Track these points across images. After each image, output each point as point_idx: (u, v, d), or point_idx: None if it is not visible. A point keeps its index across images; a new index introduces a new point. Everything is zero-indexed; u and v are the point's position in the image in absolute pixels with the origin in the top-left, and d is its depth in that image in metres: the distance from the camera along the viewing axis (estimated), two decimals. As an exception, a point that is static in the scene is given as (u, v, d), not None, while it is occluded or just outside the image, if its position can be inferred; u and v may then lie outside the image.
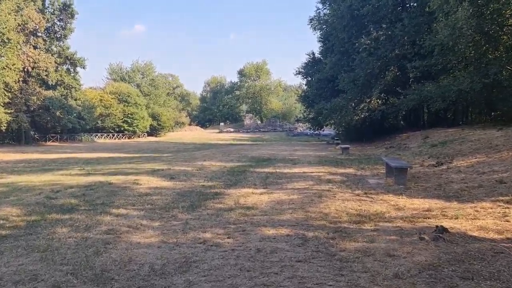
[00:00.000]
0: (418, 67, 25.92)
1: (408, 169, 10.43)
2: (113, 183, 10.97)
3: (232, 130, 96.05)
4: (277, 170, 13.78)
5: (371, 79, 29.83)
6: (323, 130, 51.09)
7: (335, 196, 8.52)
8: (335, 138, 43.20)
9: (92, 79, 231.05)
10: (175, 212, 7.47)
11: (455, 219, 6.32)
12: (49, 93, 48.46)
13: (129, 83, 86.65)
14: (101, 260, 4.87)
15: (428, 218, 6.44)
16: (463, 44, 20.24)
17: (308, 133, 74.05)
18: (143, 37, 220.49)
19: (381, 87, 29.43)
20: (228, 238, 5.71)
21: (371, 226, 6.03)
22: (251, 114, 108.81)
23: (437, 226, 5.50)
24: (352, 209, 7.31)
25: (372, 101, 31.42)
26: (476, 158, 12.43)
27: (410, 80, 30.72)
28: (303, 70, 47.18)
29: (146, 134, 78.80)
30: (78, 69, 53.95)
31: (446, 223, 5.94)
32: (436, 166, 12.61)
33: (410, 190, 9.14)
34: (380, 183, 10.35)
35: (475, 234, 5.42)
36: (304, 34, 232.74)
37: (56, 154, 30.30)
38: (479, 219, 6.19)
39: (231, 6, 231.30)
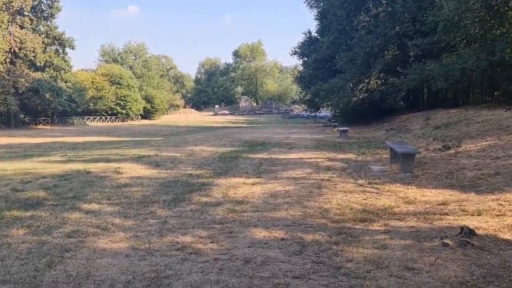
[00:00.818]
0: (419, 45, 24.82)
1: (416, 155, 9.50)
2: (91, 172, 10.00)
3: (227, 112, 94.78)
4: (272, 156, 12.83)
5: (370, 59, 28.67)
6: (320, 112, 49.97)
7: (336, 187, 7.60)
8: (332, 120, 42.24)
9: (84, 61, 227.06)
10: (154, 207, 6.53)
11: (477, 215, 5.41)
12: (38, 75, 46.94)
13: (121, 64, 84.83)
14: (52, 276, 3.95)
15: (446, 215, 5.52)
16: (469, 19, 19.12)
17: (304, 115, 72.90)
18: (137, 18, 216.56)
19: (380, 66, 28.27)
20: (211, 242, 4.78)
21: (380, 226, 5.11)
22: (246, 96, 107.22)
23: (462, 228, 4.57)
24: (356, 203, 6.39)
25: (371, 81, 30.28)
26: (486, 141, 11.51)
27: (411, 59, 29.58)
28: (299, 50, 45.87)
29: (139, 117, 77.45)
30: (67, 50, 52.32)
31: (469, 222, 5.03)
32: (443, 150, 11.69)
33: (418, 178, 8.23)
34: (384, 171, 9.43)
35: (508, 237, 4.51)
36: (301, 13, 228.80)
37: (44, 138, 29.19)
38: (506, 216, 5.28)
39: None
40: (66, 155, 14.85)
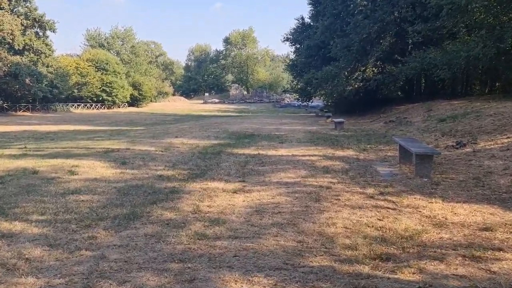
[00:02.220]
0: (420, 31, 23.20)
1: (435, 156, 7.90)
2: (39, 172, 8.23)
3: (217, 101, 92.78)
4: (260, 152, 11.15)
5: (366, 45, 26.99)
6: (312, 102, 48.37)
7: (339, 199, 5.95)
8: (325, 110, 40.70)
9: (72, 48, 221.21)
10: (97, 229, 4.82)
11: (546, 252, 3.80)
12: (17, 58, 44.48)
13: (108, 50, 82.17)
14: None
15: (500, 250, 3.91)
16: (477, 3, 17.49)
17: (296, 105, 71.33)
18: (126, 4, 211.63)
19: (377, 54, 26.64)
20: (159, 303, 3.11)
21: (413, 273, 3.46)
22: (237, 85, 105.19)
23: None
24: (369, 225, 4.75)
25: (367, 70, 28.66)
26: (507, 137, 9.95)
27: (409, 46, 28.01)
28: (291, 36, 44.05)
29: (126, 104, 75.07)
30: (49, 34, 49.80)
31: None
32: (457, 148, 10.12)
33: (440, 186, 6.63)
34: (394, 174, 7.82)
35: None
36: (293, 1, 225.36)
37: (16, 126, 27.13)
38: None
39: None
40: (25, 147, 12.99)
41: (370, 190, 6.44)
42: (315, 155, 10.33)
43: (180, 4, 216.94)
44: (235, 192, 6.53)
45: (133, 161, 9.65)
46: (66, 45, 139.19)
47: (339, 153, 10.77)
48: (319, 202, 5.78)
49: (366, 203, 5.68)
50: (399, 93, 31.79)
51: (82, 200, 6.11)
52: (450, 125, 14.42)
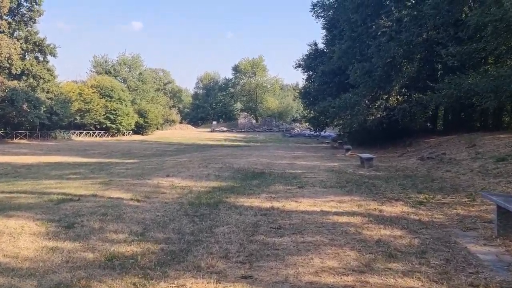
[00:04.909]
0: (455, 54, 20.17)
1: None
2: None
3: (225, 129, 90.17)
4: (274, 204, 7.96)
5: (390, 71, 24.06)
6: (325, 131, 45.37)
7: None
8: (339, 141, 37.59)
9: (82, 74, 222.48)
10: None
11: None
12: (14, 83, 42.30)
13: (115, 77, 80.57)
14: None
15: None
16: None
17: (306, 134, 68.44)
18: (140, 34, 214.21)
19: (403, 80, 23.68)
20: None
21: None
22: (245, 113, 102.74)
23: None
24: None
25: (391, 98, 25.64)
26: None
27: (439, 72, 25.06)
28: (303, 63, 41.51)
29: (131, 132, 72.69)
30: (52, 59, 47.86)
31: None
32: None
33: None
34: (505, 262, 4.58)
35: None
36: (305, 31, 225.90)
37: (-2, 156, 24.31)
38: None
39: (228, 6, 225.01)
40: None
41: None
42: (355, 214, 7.09)
43: (191, 33, 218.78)
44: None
45: (87, 221, 6.50)
46: (77, 72, 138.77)
47: (388, 208, 7.53)
48: None
49: None
50: (428, 124, 28.59)
51: None
52: (517, 166, 11.17)
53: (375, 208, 7.52)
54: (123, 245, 5.27)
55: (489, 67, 19.81)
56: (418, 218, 6.76)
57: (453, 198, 8.50)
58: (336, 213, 7.14)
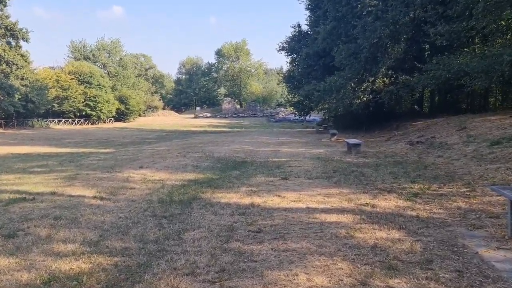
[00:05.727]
0: (443, 33, 19.42)
1: None
2: None
3: (209, 115, 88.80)
4: (255, 200, 7.11)
5: (377, 52, 23.24)
6: (309, 116, 44.59)
7: None
8: (324, 125, 36.90)
9: (56, 60, 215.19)
10: None
11: None
12: (-15, 70, 40.38)
13: (94, 62, 78.17)
14: None
15: None
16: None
17: (291, 119, 67.63)
18: (121, 19, 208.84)
19: (390, 61, 22.90)
20: None
21: None
22: (229, 98, 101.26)
23: None
24: None
25: (377, 80, 24.87)
26: None
27: (426, 53, 24.36)
28: (287, 46, 40.28)
29: (113, 119, 70.82)
30: (24, 44, 45.69)
31: None
32: None
33: None
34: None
35: None
36: (290, 14, 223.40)
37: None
38: None
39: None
40: None
41: None
42: (345, 210, 6.28)
43: (173, 18, 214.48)
44: None
45: (34, 227, 5.56)
46: (55, 58, 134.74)
47: (381, 203, 6.74)
48: None
49: None
50: (416, 107, 27.97)
51: None
52: (512, 150, 10.51)
53: (366, 203, 6.72)
54: (69, 260, 4.35)
55: (477, 47, 19.11)
56: (415, 214, 5.99)
57: (450, 188, 7.77)
58: (323, 210, 6.31)
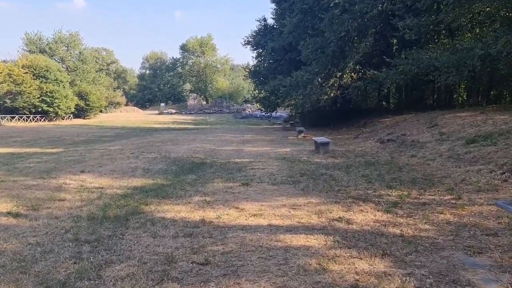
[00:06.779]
0: (412, 27, 18.79)
1: None
2: None
3: (173, 111, 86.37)
4: (207, 215, 5.88)
5: (344, 46, 22.42)
6: (276, 112, 43.63)
7: None
8: (291, 122, 36.09)
9: (8, 52, 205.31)
10: None
11: None
12: None
13: (51, 56, 74.15)
14: None
15: None
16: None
17: (258, 115, 66.47)
18: (83, 11, 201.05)
19: (357, 56, 22.13)
20: None
21: None
22: (195, 94, 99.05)
23: None
24: None
25: (345, 75, 24.09)
26: None
27: (395, 47, 23.78)
28: (252, 40, 39.08)
29: (72, 116, 67.40)
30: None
31: None
32: None
33: None
34: None
35: None
36: (257, 7, 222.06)
37: None
38: None
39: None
40: None
41: None
42: (315, 229, 5.16)
43: (137, 12, 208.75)
44: None
45: None
46: (7, 51, 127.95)
47: (357, 216, 5.66)
48: None
49: None
50: (384, 103, 27.43)
51: None
52: (491, 149, 9.76)
53: (340, 217, 5.62)
54: None
55: (446, 41, 18.57)
56: (399, 232, 4.93)
57: (432, 195, 6.81)
58: (289, 229, 5.16)
